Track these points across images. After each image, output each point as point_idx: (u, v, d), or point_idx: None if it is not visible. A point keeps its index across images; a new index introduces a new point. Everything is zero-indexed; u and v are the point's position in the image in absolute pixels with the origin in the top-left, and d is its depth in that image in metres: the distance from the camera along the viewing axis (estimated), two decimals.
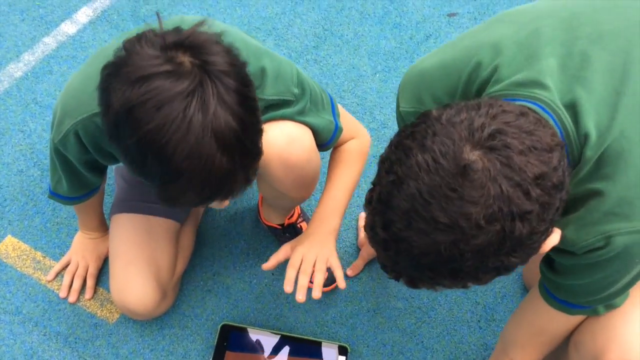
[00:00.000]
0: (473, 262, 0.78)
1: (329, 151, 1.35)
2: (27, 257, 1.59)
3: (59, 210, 1.66)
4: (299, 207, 1.61)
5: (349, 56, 2.04)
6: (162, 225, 1.48)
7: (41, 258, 1.59)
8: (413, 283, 0.86)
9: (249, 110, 0.89)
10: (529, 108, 0.85)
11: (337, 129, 1.27)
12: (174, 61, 0.84)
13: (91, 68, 1.09)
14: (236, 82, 0.87)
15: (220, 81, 0.85)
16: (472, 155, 0.75)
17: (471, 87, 0.97)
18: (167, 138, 0.84)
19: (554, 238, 0.85)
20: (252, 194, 1.73)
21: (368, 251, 1.60)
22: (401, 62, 2.03)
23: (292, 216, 1.59)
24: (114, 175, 1.59)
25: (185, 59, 0.85)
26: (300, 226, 1.59)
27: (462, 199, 0.74)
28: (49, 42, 2.00)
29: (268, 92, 1.12)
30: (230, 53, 0.89)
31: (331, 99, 1.28)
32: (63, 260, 1.56)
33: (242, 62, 0.91)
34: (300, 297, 1.25)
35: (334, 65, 2.01)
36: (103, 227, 1.56)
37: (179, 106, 0.83)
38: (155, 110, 0.83)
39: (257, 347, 1.50)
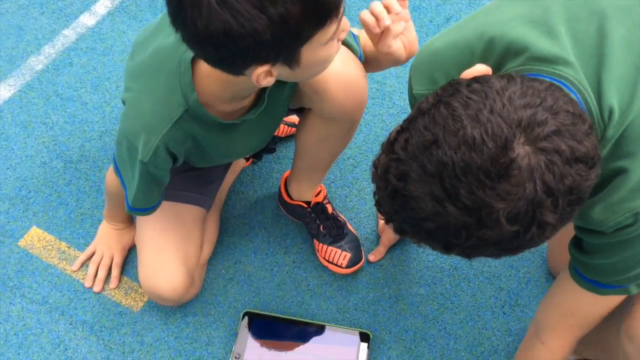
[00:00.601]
0: (472, 244, 0.77)
1: None
2: (52, 247, 1.62)
3: (83, 201, 1.68)
4: (324, 188, 1.61)
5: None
6: (189, 212, 1.50)
7: (66, 248, 1.62)
8: (402, 232, 0.84)
9: None
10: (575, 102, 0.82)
11: (356, 37, 1.27)
12: None
13: (151, 84, 1.13)
14: None
15: None
16: (522, 150, 0.72)
17: (487, 63, 0.95)
18: None
19: None
20: (272, 182, 1.73)
21: (389, 237, 1.60)
22: (421, 46, 2.01)
23: (318, 194, 1.59)
24: None
25: None
26: (326, 206, 1.59)
27: (494, 190, 0.72)
28: (69, 35, 2.01)
29: None
30: None
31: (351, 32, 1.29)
32: (88, 251, 1.58)
33: None
34: None
35: None
36: (129, 218, 1.58)
37: None
38: None
39: (279, 334, 1.50)
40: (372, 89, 1.90)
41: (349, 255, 1.56)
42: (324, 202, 1.60)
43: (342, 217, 1.63)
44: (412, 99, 1.10)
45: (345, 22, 0.99)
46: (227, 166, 1.62)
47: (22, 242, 1.62)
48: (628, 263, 0.98)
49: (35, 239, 1.63)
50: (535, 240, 0.77)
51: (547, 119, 0.73)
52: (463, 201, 0.72)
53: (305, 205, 1.59)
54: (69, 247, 1.62)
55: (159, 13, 2.07)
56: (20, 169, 1.73)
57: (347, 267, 1.55)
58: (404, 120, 0.81)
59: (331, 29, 0.94)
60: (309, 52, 0.95)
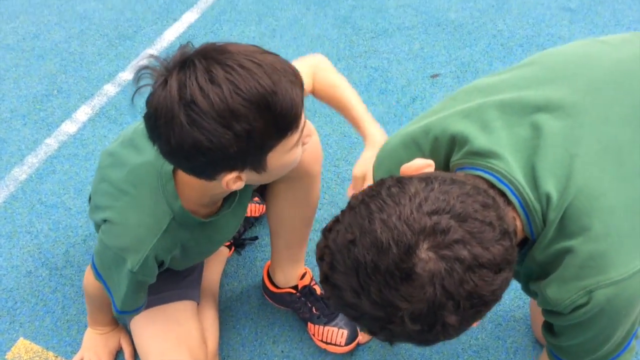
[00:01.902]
0: (387, 335, 0.83)
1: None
2: (40, 358, 1.61)
3: (69, 308, 1.69)
4: (309, 271, 1.63)
5: (339, 125, 2.11)
6: (179, 309, 1.51)
7: (54, 358, 1.61)
8: (336, 309, 0.93)
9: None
10: (489, 185, 0.89)
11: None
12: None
13: (135, 200, 1.20)
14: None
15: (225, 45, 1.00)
16: (425, 255, 0.77)
17: (438, 156, 1.01)
18: (191, 92, 0.94)
19: None
20: (255, 271, 1.76)
21: None
22: (391, 126, 2.09)
23: (304, 276, 1.61)
24: None
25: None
26: (314, 288, 1.61)
27: (398, 291, 0.77)
28: (51, 143, 2.08)
29: None
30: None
31: None
32: (75, 359, 1.58)
33: None
34: None
35: (326, 136, 2.07)
36: (113, 322, 1.59)
37: (182, 74, 0.94)
38: (162, 88, 0.94)
39: None
40: (348, 171, 1.96)
41: (346, 332, 1.57)
42: (312, 283, 1.62)
43: None
44: None
45: (308, 127, 1.07)
46: None
47: (9, 355, 1.62)
48: (593, 343, 0.99)
49: (23, 350, 1.62)
50: (441, 338, 0.82)
51: (452, 227, 0.78)
52: (374, 297, 0.79)
53: (294, 291, 1.61)
54: (57, 357, 1.61)
55: (139, 116, 2.15)
56: (6, 280, 1.74)
57: (347, 344, 1.56)
58: (341, 212, 0.87)
59: (294, 137, 1.04)
60: (274, 158, 1.05)
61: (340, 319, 1.60)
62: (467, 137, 0.96)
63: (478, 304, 0.79)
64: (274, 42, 2.42)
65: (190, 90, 0.93)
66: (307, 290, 1.61)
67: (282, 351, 1.62)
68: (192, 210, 1.21)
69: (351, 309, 0.83)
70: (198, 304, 1.59)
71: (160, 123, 0.96)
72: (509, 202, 0.91)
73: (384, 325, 0.81)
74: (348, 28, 2.48)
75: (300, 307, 1.61)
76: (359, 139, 2.06)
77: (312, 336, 1.61)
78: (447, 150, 0.99)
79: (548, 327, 1.06)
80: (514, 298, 1.69)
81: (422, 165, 0.91)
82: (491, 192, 0.88)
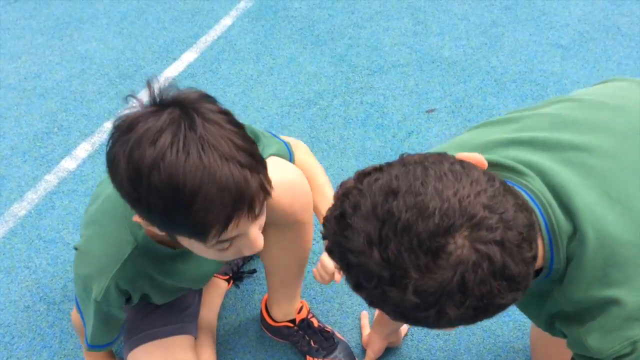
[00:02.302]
0: (377, 295, 0.79)
1: None
2: None
3: (66, 342, 1.68)
4: (306, 304, 1.63)
5: (336, 159, 2.13)
6: (177, 342, 1.50)
7: None
8: (330, 253, 0.85)
9: (238, 125, 0.97)
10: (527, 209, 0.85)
11: (287, 144, 1.34)
12: (155, 107, 0.94)
13: (101, 228, 1.20)
14: (215, 105, 0.96)
15: (199, 106, 0.94)
16: (461, 240, 0.74)
17: None
18: (171, 164, 0.89)
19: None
20: (253, 304, 1.75)
21: (374, 350, 1.60)
22: (387, 160, 2.11)
23: (301, 310, 1.61)
24: None
25: (165, 106, 0.94)
26: (312, 321, 1.61)
27: (418, 259, 0.74)
28: (51, 180, 2.10)
29: None
30: (197, 89, 0.98)
31: (268, 131, 1.36)
32: None
33: (213, 97, 0.99)
34: None
35: None
36: (110, 355, 1.58)
37: (169, 134, 0.90)
38: (151, 145, 0.90)
39: None
40: None
41: None
42: (309, 316, 1.62)
43: (329, 327, 1.64)
44: None
45: (254, 241, 1.05)
46: (199, 289, 1.65)
47: None
48: None
49: None
50: (430, 322, 0.79)
51: (499, 229, 0.75)
52: (388, 255, 0.75)
53: (292, 325, 1.61)
54: None
55: None
56: (4, 315, 1.74)
57: None
58: (386, 163, 0.84)
59: (209, 242, 1.00)
60: (186, 242, 1.05)
61: (339, 351, 1.59)
62: (501, 162, 0.96)
63: (481, 309, 0.77)
64: (271, 80, 2.47)
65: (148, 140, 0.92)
66: (305, 324, 1.60)
67: None
68: (159, 240, 1.19)
69: (352, 256, 0.78)
70: (195, 338, 1.58)
71: (109, 167, 0.98)
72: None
73: (382, 285, 0.77)
74: (344, 65, 2.53)
75: (299, 340, 1.60)
76: (354, 172, 2.08)
77: None
78: None
79: None
80: (513, 329, 1.68)
81: (480, 159, 0.87)
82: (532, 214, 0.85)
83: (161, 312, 1.52)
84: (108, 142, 0.97)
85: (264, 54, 2.60)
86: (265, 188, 0.98)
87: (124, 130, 0.92)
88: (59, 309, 1.75)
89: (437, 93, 2.38)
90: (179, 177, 0.90)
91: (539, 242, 0.89)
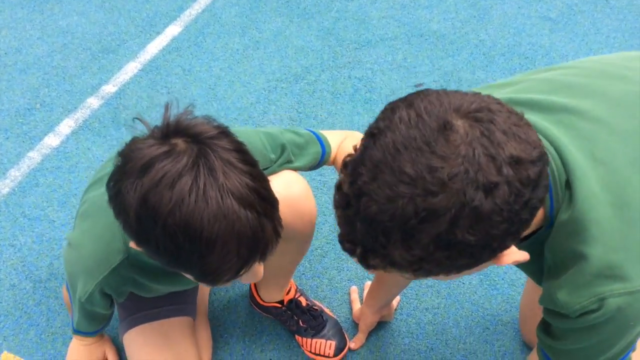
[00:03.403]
0: (426, 226, 0.73)
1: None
2: None
3: (53, 320, 1.66)
4: (293, 282, 1.62)
5: None
6: (176, 326, 1.49)
7: None
8: (366, 257, 0.81)
9: (251, 163, 0.93)
10: None
11: (325, 153, 1.33)
12: (168, 144, 0.89)
13: (96, 227, 1.16)
14: (229, 142, 0.91)
15: (216, 145, 0.89)
16: (457, 121, 0.74)
17: None
18: (190, 211, 0.86)
19: (519, 254, 0.82)
20: None
21: (366, 323, 1.60)
22: None
23: (289, 291, 1.60)
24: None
25: (178, 140, 0.89)
26: (300, 300, 1.60)
27: (434, 152, 0.72)
28: (34, 157, 2.06)
29: None
30: (212, 121, 0.94)
31: (311, 131, 1.34)
32: None
33: (226, 125, 0.96)
34: None
35: None
36: (99, 336, 1.56)
37: (189, 178, 0.86)
38: (169, 189, 0.86)
39: None
40: (335, 180, 1.97)
41: (334, 343, 1.57)
42: (297, 296, 1.61)
43: (318, 304, 1.64)
44: None
45: (255, 274, 1.04)
46: None
47: None
48: (595, 349, 0.97)
49: None
50: (490, 213, 0.73)
51: (477, 102, 0.76)
52: (406, 171, 0.73)
53: (279, 305, 1.60)
54: None
55: (122, 128, 2.14)
56: None
57: (335, 355, 1.56)
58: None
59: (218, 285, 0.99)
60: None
61: (328, 329, 1.59)
62: None
63: (521, 173, 0.73)
64: (258, 54, 2.44)
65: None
66: (293, 304, 1.60)
67: (271, 359, 1.60)
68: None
69: (382, 214, 0.74)
70: (194, 319, 1.57)
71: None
72: None
73: (420, 204, 0.72)
74: (332, 39, 2.50)
75: (287, 320, 1.60)
76: None
77: (302, 346, 1.60)
78: None
79: (545, 328, 1.04)
80: (501, 302, 1.69)
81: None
82: None
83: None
84: (114, 173, 0.92)
85: (250, 27, 2.56)
86: (278, 232, 0.96)
87: (137, 170, 0.87)
88: (45, 287, 1.73)
89: (425, 67, 2.36)
90: (197, 225, 0.87)
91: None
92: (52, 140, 2.12)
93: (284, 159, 1.24)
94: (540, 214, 0.90)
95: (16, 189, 1.97)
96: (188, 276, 1.00)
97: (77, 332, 1.45)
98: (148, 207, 0.87)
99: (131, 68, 2.38)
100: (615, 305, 0.87)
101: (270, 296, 1.61)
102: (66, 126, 2.16)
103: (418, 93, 0.80)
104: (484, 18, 2.59)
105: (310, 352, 1.58)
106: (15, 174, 2.01)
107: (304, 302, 1.61)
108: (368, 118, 2.16)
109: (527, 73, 1.11)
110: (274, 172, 1.23)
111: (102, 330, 1.47)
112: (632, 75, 1.03)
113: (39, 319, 1.67)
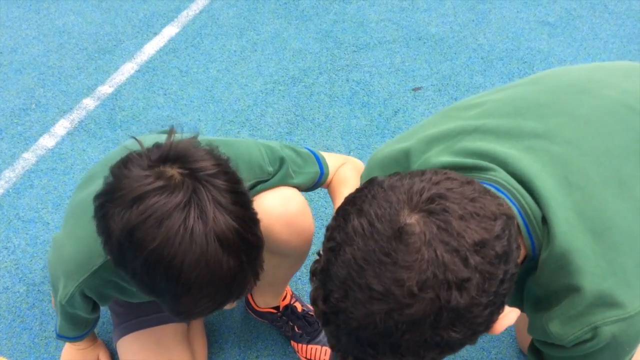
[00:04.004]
0: (411, 336, 0.73)
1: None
2: None
3: (47, 324, 1.65)
4: (289, 288, 1.61)
5: (322, 138, 2.10)
6: (170, 331, 1.48)
7: None
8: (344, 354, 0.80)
9: (244, 205, 0.92)
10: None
11: (323, 174, 1.32)
12: (164, 176, 0.87)
13: (79, 230, 1.14)
14: (226, 181, 0.90)
15: (211, 185, 0.88)
16: (410, 219, 0.72)
17: None
18: (173, 252, 0.85)
19: (509, 318, 0.81)
20: None
21: None
22: (373, 139, 2.09)
23: (285, 297, 1.59)
24: None
25: (174, 171, 0.88)
26: (295, 306, 1.59)
27: (396, 264, 0.70)
28: (29, 158, 2.05)
29: (244, 179, 1.15)
30: (213, 153, 0.92)
31: (311, 151, 1.33)
32: None
33: (226, 158, 0.94)
34: None
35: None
36: (91, 337, 1.55)
37: (178, 219, 0.85)
38: (156, 228, 0.85)
39: None
40: None
41: (329, 350, 1.55)
42: (292, 302, 1.60)
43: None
44: None
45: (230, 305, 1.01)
46: None
47: None
48: None
49: None
50: (469, 306, 0.72)
51: (426, 187, 0.74)
52: (375, 288, 0.71)
53: (275, 311, 1.59)
54: None
55: (118, 129, 2.13)
56: None
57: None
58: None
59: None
60: None
61: (324, 336, 1.57)
62: (460, 164, 0.94)
63: (489, 255, 0.72)
64: (255, 56, 2.42)
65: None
66: (289, 311, 1.59)
67: None
68: None
69: (364, 330, 0.74)
70: (188, 325, 1.56)
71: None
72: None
73: (398, 318, 0.71)
74: (330, 42, 2.48)
75: (282, 325, 1.59)
76: (341, 152, 2.05)
77: (297, 352, 1.59)
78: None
79: (537, 355, 1.02)
80: None
81: None
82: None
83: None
84: (102, 193, 0.90)
85: (248, 29, 2.55)
86: (257, 277, 0.95)
87: (127, 201, 0.86)
88: (38, 290, 1.71)
89: (423, 71, 2.35)
90: (177, 267, 0.86)
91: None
92: (47, 141, 2.10)
93: (283, 173, 1.23)
94: (522, 253, 0.89)
95: (10, 190, 1.95)
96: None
97: (60, 337, 1.42)
98: (132, 241, 0.86)
99: (127, 69, 2.36)
100: (610, 333, 0.87)
101: (265, 302, 1.60)
102: (61, 127, 2.15)
103: (366, 192, 0.78)
104: (482, 22, 2.58)
105: (306, 358, 1.57)
106: (10, 175, 2.00)
107: (299, 308, 1.60)
108: (365, 121, 2.15)
109: (491, 91, 1.09)
110: (272, 187, 1.22)
111: (85, 336, 1.44)
112: (595, 87, 1.02)
113: (33, 323, 1.65)
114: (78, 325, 1.38)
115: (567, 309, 0.88)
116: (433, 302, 0.71)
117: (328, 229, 0.80)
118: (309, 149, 1.33)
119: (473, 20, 2.59)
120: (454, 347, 0.76)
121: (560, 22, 2.58)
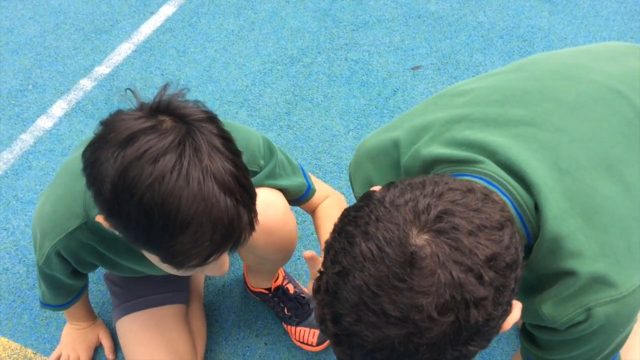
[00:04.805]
0: (430, 355, 0.72)
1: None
2: (19, 355, 1.58)
3: None
4: (283, 270, 1.62)
5: (320, 118, 2.09)
6: (169, 312, 1.48)
7: (32, 355, 1.58)
8: None
9: (235, 152, 0.91)
10: (476, 183, 0.85)
11: (310, 188, 1.31)
12: (156, 119, 0.86)
13: (59, 189, 1.13)
14: (216, 128, 0.89)
15: (203, 128, 0.87)
16: (420, 240, 0.71)
17: (414, 164, 0.99)
18: (169, 189, 0.83)
19: (515, 314, 0.80)
20: (238, 264, 1.74)
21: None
22: (372, 118, 2.08)
23: (277, 279, 1.59)
24: (105, 282, 1.59)
25: (165, 118, 0.87)
26: (287, 287, 1.59)
27: (412, 289, 0.69)
28: (27, 139, 2.04)
29: None
30: (199, 104, 0.92)
31: (301, 167, 1.33)
32: (54, 355, 1.55)
33: (211, 111, 0.93)
34: None
35: (307, 129, 2.06)
36: (90, 316, 1.56)
37: (173, 156, 0.84)
38: (152, 164, 0.83)
39: None
40: (330, 164, 1.95)
41: (317, 332, 1.55)
42: (284, 283, 1.60)
43: (306, 291, 1.63)
44: (357, 199, 1.12)
45: (221, 267, 1.01)
46: None
47: None
48: (585, 356, 0.96)
49: (1, 348, 1.59)
50: (486, 321, 0.72)
51: (431, 204, 0.73)
52: (392, 314, 0.70)
53: (266, 292, 1.59)
54: (35, 354, 1.58)
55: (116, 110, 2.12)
56: None
57: (318, 344, 1.54)
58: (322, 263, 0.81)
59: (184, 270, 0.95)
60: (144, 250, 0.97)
61: (312, 318, 1.57)
62: (450, 156, 0.94)
63: (500, 267, 0.72)
64: (253, 35, 2.40)
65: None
66: (280, 292, 1.58)
67: (266, 344, 1.60)
68: None
69: (380, 352, 0.72)
70: (187, 306, 1.57)
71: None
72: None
73: (418, 342, 0.70)
74: (328, 20, 2.46)
75: (274, 306, 1.60)
76: (339, 132, 2.05)
77: (289, 333, 1.59)
78: (427, 167, 0.97)
79: (529, 336, 1.02)
80: None
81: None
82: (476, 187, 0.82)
83: (154, 281, 1.49)
84: (93, 142, 0.89)
85: (245, 8, 2.52)
86: (253, 225, 0.93)
87: (120, 141, 0.84)
88: None
89: (423, 49, 2.34)
90: (174, 204, 0.84)
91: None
92: (44, 123, 2.09)
93: (269, 170, 1.20)
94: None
95: (8, 171, 1.95)
96: (152, 257, 0.97)
97: (44, 304, 1.40)
98: (126, 179, 0.84)
99: (124, 49, 2.35)
100: (603, 314, 0.86)
101: (257, 283, 1.60)
102: (59, 108, 2.14)
103: (367, 211, 0.75)
104: (482, 0, 2.55)
105: (296, 339, 1.57)
106: (8, 156, 1.99)
107: (291, 290, 1.59)
108: (364, 101, 2.14)
109: (477, 78, 1.08)
110: (257, 185, 1.18)
111: (70, 305, 1.42)
112: (580, 73, 1.01)
113: (33, 303, 1.66)
114: (60, 291, 1.35)
115: (560, 291, 0.88)
116: (453, 324, 0.70)
117: (329, 249, 0.78)
118: (299, 165, 1.33)
119: None
120: (470, 357, 0.76)
121: (561, 0, 2.55)
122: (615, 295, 0.86)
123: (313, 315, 1.57)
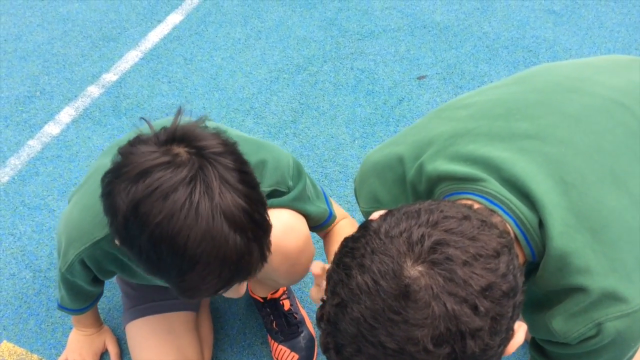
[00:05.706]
0: None
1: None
2: None
3: (53, 310, 1.66)
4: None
5: (326, 126, 2.10)
6: (180, 319, 1.48)
7: None
8: None
9: (251, 185, 0.91)
10: (473, 202, 0.84)
11: (331, 216, 1.31)
12: (170, 153, 0.86)
13: (87, 197, 1.14)
14: (233, 161, 0.89)
15: (218, 162, 0.87)
16: (414, 272, 0.71)
17: (419, 185, 0.99)
18: (178, 226, 0.84)
19: (518, 338, 0.79)
20: None
21: None
22: (378, 127, 2.09)
23: (276, 291, 1.59)
24: (118, 284, 1.59)
25: (180, 150, 0.87)
26: (283, 303, 1.57)
27: (407, 322, 0.70)
28: (34, 145, 2.05)
29: (265, 183, 1.15)
30: (219, 135, 0.92)
31: (323, 192, 1.33)
32: None
33: (233, 141, 0.93)
34: None
35: (313, 137, 2.07)
36: (97, 322, 1.56)
37: (183, 193, 0.84)
38: (162, 201, 0.84)
39: None
40: (335, 172, 1.96)
41: (297, 357, 1.52)
42: (282, 297, 1.57)
43: (303, 312, 1.60)
44: (364, 215, 1.12)
45: (238, 291, 1.02)
46: None
47: None
48: None
49: (7, 353, 1.59)
50: (483, 351, 0.71)
51: (425, 234, 0.73)
52: (389, 346, 0.70)
53: (261, 300, 1.58)
54: (41, 359, 1.58)
55: (123, 117, 2.13)
56: None
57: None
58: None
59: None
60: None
61: (299, 341, 1.54)
62: (453, 174, 0.94)
63: (496, 296, 0.71)
64: (260, 44, 2.42)
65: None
66: (274, 303, 1.56)
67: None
68: None
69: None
70: (197, 313, 1.57)
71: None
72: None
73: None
74: (334, 30, 2.48)
75: (264, 317, 1.58)
76: (345, 140, 2.06)
77: (270, 348, 1.57)
78: (432, 183, 0.97)
79: (540, 351, 1.01)
80: None
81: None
82: (477, 210, 0.82)
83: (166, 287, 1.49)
84: (110, 172, 0.90)
85: (252, 17, 2.54)
86: (264, 257, 0.94)
87: (133, 176, 0.85)
88: (45, 276, 1.72)
89: (428, 59, 2.35)
90: (182, 241, 0.85)
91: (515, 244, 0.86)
92: (52, 129, 2.10)
93: (297, 193, 1.20)
94: (521, 259, 0.89)
95: (16, 177, 1.96)
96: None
97: (61, 307, 1.41)
98: (137, 215, 0.85)
99: (132, 56, 2.36)
100: (614, 329, 0.86)
101: (255, 290, 1.60)
102: (66, 115, 2.15)
103: (363, 242, 0.76)
104: (487, 10, 2.57)
105: (275, 356, 1.55)
106: (15, 162, 2.00)
107: (286, 306, 1.57)
108: (370, 110, 2.15)
109: (479, 90, 1.09)
110: (280, 206, 1.19)
111: (87, 310, 1.43)
112: (583, 86, 1.01)
113: (39, 309, 1.66)
114: (79, 296, 1.37)
115: (570, 307, 0.88)
116: (449, 355, 0.71)
117: (329, 279, 0.79)
118: (322, 189, 1.33)
119: (478, 9, 2.58)
120: None
121: (566, 11, 2.57)
122: (626, 310, 0.86)
123: (299, 338, 1.55)
